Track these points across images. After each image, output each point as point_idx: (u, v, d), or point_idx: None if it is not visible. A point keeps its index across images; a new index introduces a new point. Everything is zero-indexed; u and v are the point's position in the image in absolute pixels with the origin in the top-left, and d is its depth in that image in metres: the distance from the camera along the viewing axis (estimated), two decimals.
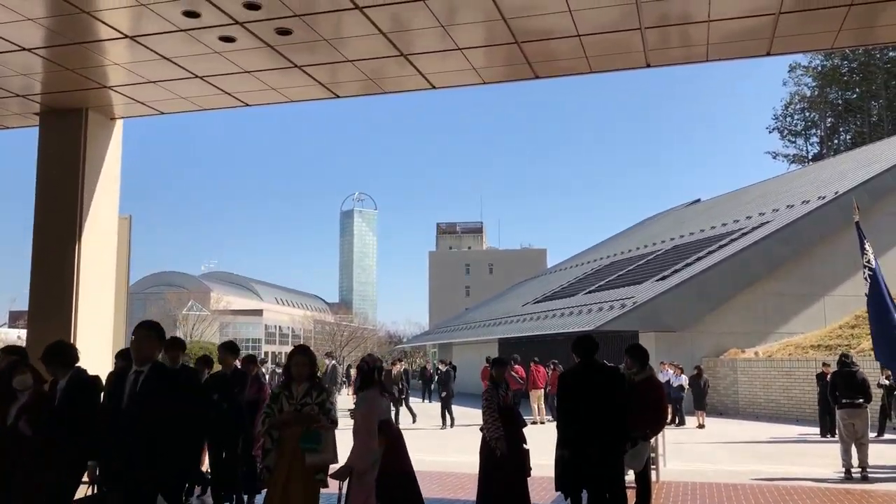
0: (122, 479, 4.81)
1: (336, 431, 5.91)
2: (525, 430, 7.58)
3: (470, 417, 17.07)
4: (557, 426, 6.63)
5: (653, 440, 8.17)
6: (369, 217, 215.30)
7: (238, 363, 8.80)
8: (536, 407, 20.53)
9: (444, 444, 15.55)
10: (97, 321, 10.10)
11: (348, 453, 5.85)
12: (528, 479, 7.46)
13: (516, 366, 20.36)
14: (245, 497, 8.21)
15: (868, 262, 11.31)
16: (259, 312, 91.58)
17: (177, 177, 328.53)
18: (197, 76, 9.00)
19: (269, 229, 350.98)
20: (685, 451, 13.44)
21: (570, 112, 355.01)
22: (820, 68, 69.62)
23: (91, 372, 6.06)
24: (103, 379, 6.46)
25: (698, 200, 50.90)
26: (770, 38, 8.13)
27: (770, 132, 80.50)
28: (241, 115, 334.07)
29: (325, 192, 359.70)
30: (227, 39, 7.93)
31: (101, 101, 9.95)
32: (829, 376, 13.27)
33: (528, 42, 8.10)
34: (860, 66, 66.98)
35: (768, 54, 8.53)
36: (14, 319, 64.43)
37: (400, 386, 20.67)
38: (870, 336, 12.49)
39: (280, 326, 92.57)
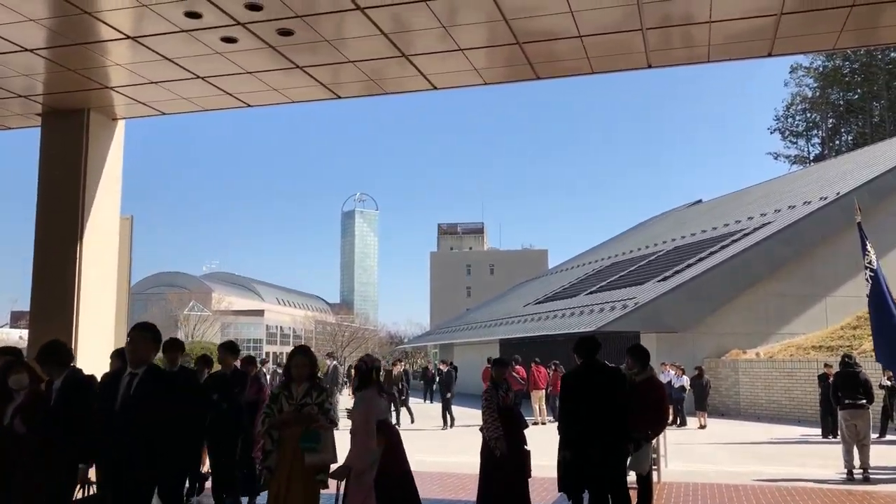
0: (117, 480, 4.80)
1: (336, 431, 5.91)
2: (526, 430, 7.58)
3: (471, 418, 17.06)
4: (559, 427, 6.63)
5: (654, 441, 8.17)
6: (370, 217, 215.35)
7: (237, 363, 8.80)
8: (538, 408, 20.53)
9: (444, 445, 15.55)
10: (98, 321, 10.11)
11: (347, 453, 5.84)
12: (529, 479, 7.46)
13: (517, 366, 20.36)
14: (245, 499, 8.19)
15: (869, 262, 11.30)
16: (260, 313, 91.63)
17: (178, 177, 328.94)
18: (198, 77, 9.00)
19: (270, 230, 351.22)
20: (686, 451, 13.43)
21: (571, 113, 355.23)
22: (821, 69, 69.60)
23: (92, 372, 6.07)
24: (99, 379, 6.44)
25: (700, 201, 50.90)
26: (772, 39, 8.12)
27: (772, 133, 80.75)
28: (243, 116, 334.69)
29: (327, 192, 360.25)
30: (229, 40, 7.94)
31: (102, 102, 9.96)
32: (831, 377, 13.26)
33: (529, 43, 8.10)
34: (862, 66, 66.95)
35: (770, 55, 8.53)
36: (16, 320, 64.46)
37: (400, 386, 20.68)
38: (871, 337, 12.48)
39: (281, 327, 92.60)
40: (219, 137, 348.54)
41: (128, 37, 7.87)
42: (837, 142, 70.95)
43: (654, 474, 9.05)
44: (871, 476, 10.29)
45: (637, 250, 37.18)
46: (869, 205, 23.08)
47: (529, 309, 34.41)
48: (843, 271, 23.92)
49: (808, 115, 73.59)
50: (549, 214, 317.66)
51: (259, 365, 25.03)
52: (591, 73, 9.04)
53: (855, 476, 10.32)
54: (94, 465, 5.49)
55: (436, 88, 9.47)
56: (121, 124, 10.79)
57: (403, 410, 20.69)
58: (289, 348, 9.15)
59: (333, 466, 5.74)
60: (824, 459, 12.35)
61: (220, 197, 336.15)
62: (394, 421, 19.04)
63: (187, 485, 8.03)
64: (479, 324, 39.75)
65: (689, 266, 26.06)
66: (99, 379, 6.41)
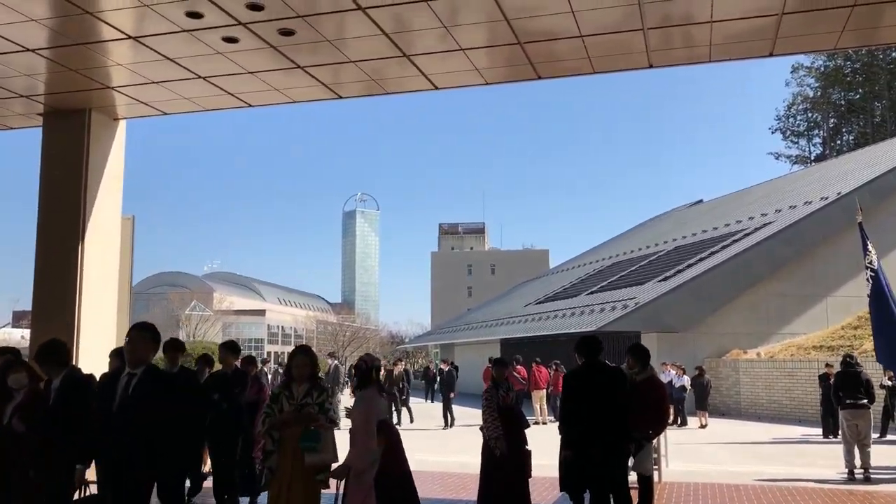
0: (116, 480, 4.79)
1: (337, 431, 5.91)
2: (527, 430, 7.58)
3: (471, 418, 17.07)
4: (560, 427, 6.64)
5: (655, 441, 8.17)
6: (372, 217, 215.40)
7: (238, 363, 8.78)
8: (539, 407, 20.53)
9: (445, 445, 15.55)
10: (100, 321, 10.12)
11: (347, 453, 5.85)
12: (530, 479, 7.46)
13: (518, 366, 20.37)
14: (246, 499, 8.18)
15: (870, 262, 11.29)
16: (262, 313, 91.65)
17: (179, 177, 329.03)
18: (200, 77, 9.01)
19: (271, 230, 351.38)
20: (687, 451, 13.43)
21: (572, 112, 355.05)
22: (823, 69, 69.55)
23: (94, 372, 6.07)
24: (98, 378, 6.44)
25: (701, 201, 50.87)
26: (773, 39, 8.12)
27: (773, 133, 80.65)
28: (244, 116, 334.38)
29: (328, 192, 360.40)
30: (230, 40, 7.95)
31: (104, 102, 9.97)
32: (832, 377, 13.25)
33: (530, 43, 8.10)
34: (863, 66, 66.91)
35: (771, 55, 8.53)
36: (17, 319, 64.48)
37: (401, 386, 20.70)
38: (872, 337, 12.47)
39: (283, 327, 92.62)
40: (220, 137, 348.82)
41: (129, 37, 7.88)
42: (839, 142, 70.92)
43: (655, 474, 9.05)
44: (871, 476, 10.28)
45: (638, 250, 37.17)
46: (870, 205, 23.06)
47: (530, 309, 34.41)
48: (844, 271, 23.91)
49: (810, 114, 73.58)
50: (550, 214, 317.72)
51: (261, 364, 25.13)
52: (592, 73, 9.05)
53: (856, 476, 10.32)
54: (91, 466, 5.49)
55: (437, 88, 9.48)
56: (122, 124, 10.80)
57: (404, 410, 20.70)
58: (290, 348, 9.13)
59: (334, 466, 5.74)
60: (825, 459, 12.35)
61: (222, 197, 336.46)
62: (395, 421, 19.07)
63: (188, 485, 8.02)
64: (480, 324, 39.75)
65: (689, 266, 26.05)
66: (98, 378, 6.42)
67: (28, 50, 8.25)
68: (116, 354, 7.40)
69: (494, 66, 8.82)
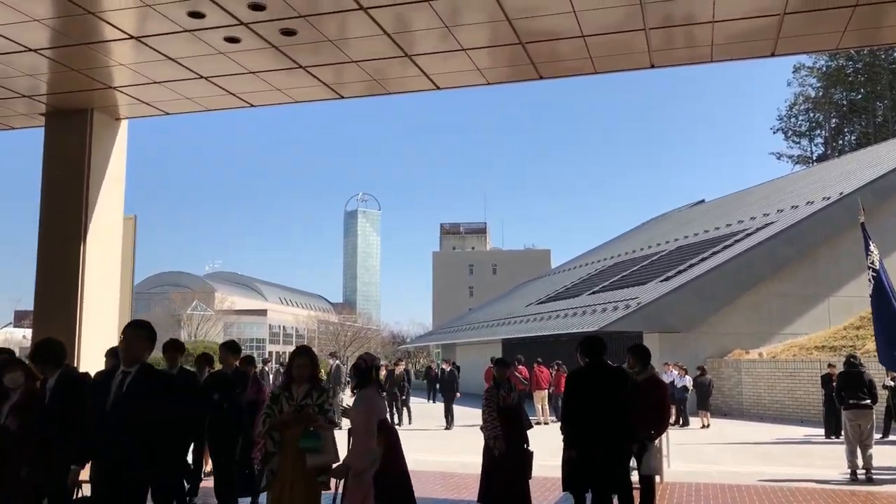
0: (114, 480, 4.77)
1: (337, 431, 5.91)
2: (530, 431, 7.57)
3: (473, 418, 17.07)
4: (562, 427, 6.64)
5: (656, 441, 8.16)
6: (373, 217, 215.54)
7: (237, 363, 8.74)
8: (540, 408, 20.53)
9: (447, 444, 15.55)
10: (102, 321, 10.12)
11: (346, 452, 5.85)
12: (532, 480, 7.46)
13: (520, 366, 20.37)
14: (248, 499, 8.18)
15: (872, 263, 11.27)
16: (263, 312, 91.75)
17: (181, 177, 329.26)
18: (202, 77, 9.02)
19: (273, 229, 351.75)
20: (689, 452, 13.43)
21: (574, 112, 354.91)
22: (825, 69, 69.49)
23: (96, 372, 6.06)
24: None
25: (702, 201, 50.86)
26: (775, 39, 8.11)
27: (774, 133, 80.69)
28: (246, 116, 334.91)
29: (330, 192, 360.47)
30: (232, 40, 7.95)
31: (106, 102, 9.98)
32: (834, 377, 13.23)
33: (532, 43, 8.10)
34: (865, 66, 66.84)
35: (773, 55, 8.52)
36: (19, 319, 64.62)
37: (402, 385, 20.71)
38: (874, 337, 12.45)
39: (284, 326, 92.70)
40: (222, 137, 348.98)
41: (131, 37, 7.88)
42: (840, 142, 70.84)
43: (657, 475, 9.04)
44: (873, 476, 10.27)
45: (640, 250, 37.15)
46: (872, 205, 23.03)
47: (532, 309, 34.40)
48: (846, 271, 23.90)
49: (812, 114, 73.51)
50: (551, 214, 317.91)
51: (262, 365, 25.13)
52: (593, 73, 9.04)
53: (858, 476, 10.31)
54: (86, 466, 5.47)
55: (439, 88, 9.48)
56: (124, 124, 10.81)
57: (404, 410, 20.70)
58: (291, 348, 9.11)
59: (334, 465, 5.74)
60: (827, 460, 12.34)
61: (223, 197, 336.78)
62: (395, 421, 19.07)
63: (187, 485, 8.01)
64: (481, 324, 39.74)
65: (691, 266, 26.04)
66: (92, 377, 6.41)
67: (30, 50, 8.25)
68: (112, 354, 7.39)
69: (496, 66, 8.82)
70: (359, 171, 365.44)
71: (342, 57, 8.41)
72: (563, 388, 8.35)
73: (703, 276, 24.02)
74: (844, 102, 70.44)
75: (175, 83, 9.21)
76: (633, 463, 6.83)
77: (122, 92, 9.57)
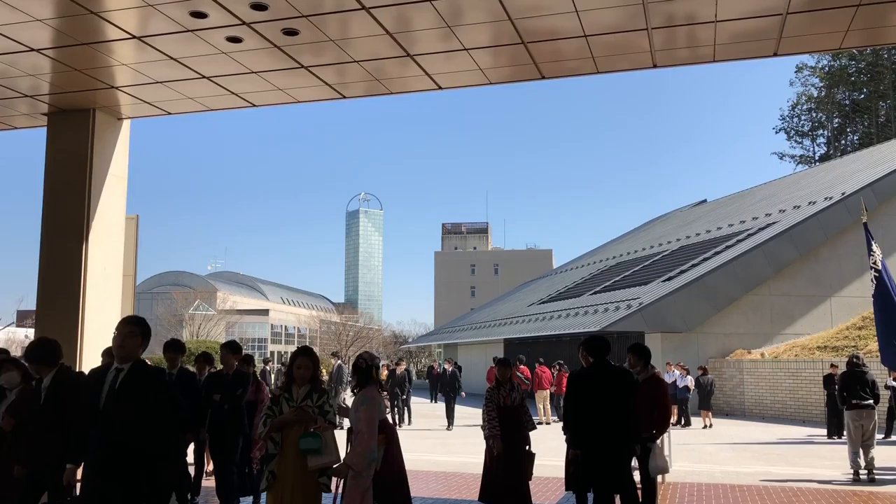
0: (104, 478, 4.76)
1: (338, 431, 5.91)
2: (532, 432, 7.56)
3: (475, 418, 17.08)
4: (564, 427, 6.63)
5: (658, 440, 8.15)
6: (375, 217, 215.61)
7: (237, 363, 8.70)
8: (542, 408, 20.52)
9: (448, 444, 15.55)
10: (104, 321, 10.12)
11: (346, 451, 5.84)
12: (532, 480, 7.45)
13: (521, 366, 20.36)
14: (249, 499, 8.17)
15: (875, 263, 11.26)
16: (265, 312, 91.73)
17: (183, 177, 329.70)
18: (204, 77, 9.03)
19: (275, 229, 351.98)
20: (691, 451, 13.42)
21: (575, 112, 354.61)
22: (827, 69, 69.37)
23: (90, 370, 6.07)
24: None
25: (704, 201, 50.81)
26: (777, 39, 8.11)
27: (777, 133, 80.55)
28: (248, 116, 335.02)
29: (331, 192, 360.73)
30: (234, 40, 7.96)
31: (108, 102, 9.99)
32: (837, 377, 13.22)
33: (534, 42, 8.10)
34: (868, 66, 66.72)
35: (775, 55, 8.51)
36: (22, 319, 64.66)
37: (403, 385, 20.70)
38: (876, 337, 12.43)
39: (286, 326, 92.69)
40: (224, 137, 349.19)
41: (133, 37, 7.89)
42: (843, 142, 70.72)
43: (659, 475, 9.02)
44: (876, 477, 10.26)
45: (642, 250, 37.13)
46: (875, 205, 23.04)
47: (534, 309, 34.39)
48: (848, 271, 23.88)
49: (814, 114, 73.37)
50: (553, 214, 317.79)
51: (263, 364, 25.13)
52: (596, 73, 9.04)
53: (861, 477, 10.30)
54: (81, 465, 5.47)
55: (441, 88, 9.48)
56: (126, 124, 10.82)
57: (405, 410, 20.69)
58: (293, 348, 9.09)
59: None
60: (830, 460, 12.33)
61: (226, 196, 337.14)
62: (396, 421, 19.08)
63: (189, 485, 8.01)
64: (483, 323, 39.74)
65: (693, 266, 26.02)
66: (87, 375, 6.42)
67: (33, 50, 8.27)
68: (108, 353, 7.39)
69: (498, 66, 8.82)
70: (361, 170, 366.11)
71: (344, 57, 8.41)
72: (564, 389, 8.33)
73: (705, 276, 24.00)
74: (847, 102, 70.32)
75: (177, 83, 9.22)
76: (634, 463, 6.82)
77: (124, 92, 9.59)
